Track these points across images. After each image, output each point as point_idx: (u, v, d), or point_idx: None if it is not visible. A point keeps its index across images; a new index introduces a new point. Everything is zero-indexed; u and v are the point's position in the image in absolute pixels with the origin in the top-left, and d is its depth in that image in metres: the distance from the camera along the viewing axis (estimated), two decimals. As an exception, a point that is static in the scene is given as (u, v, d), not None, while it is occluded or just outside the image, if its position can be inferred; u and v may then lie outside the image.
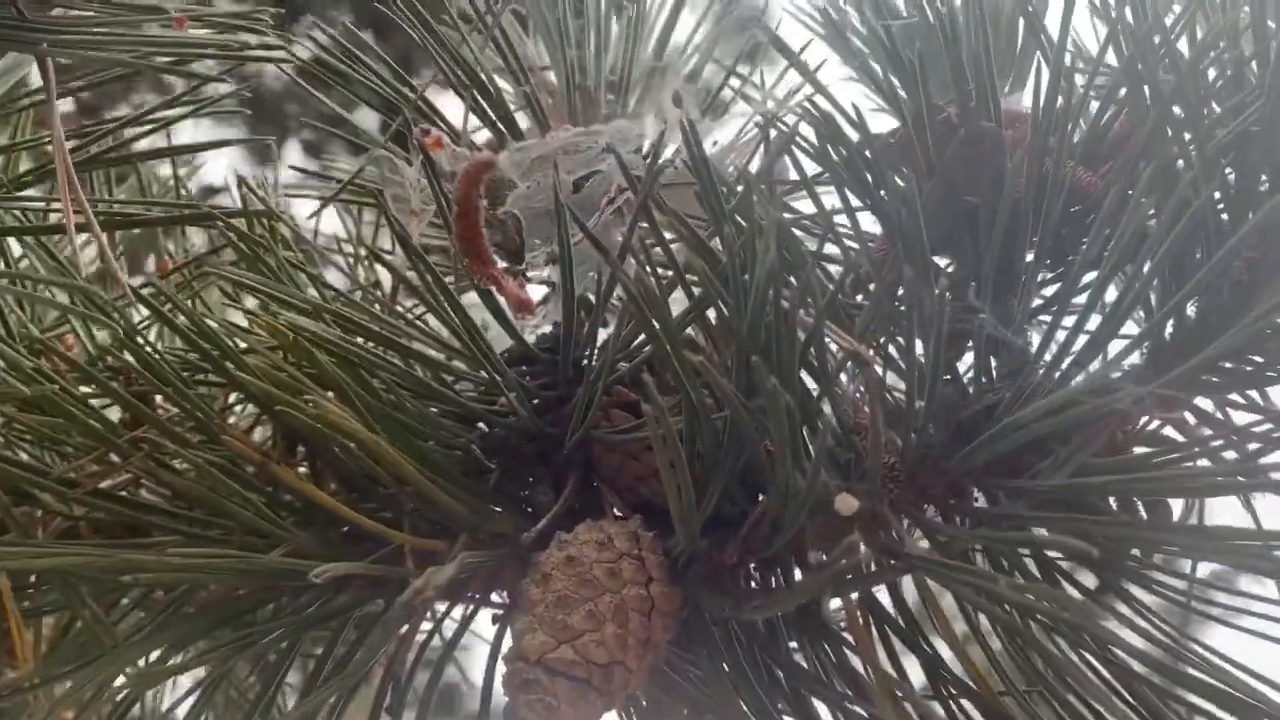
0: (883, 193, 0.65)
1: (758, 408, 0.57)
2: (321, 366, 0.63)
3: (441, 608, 0.89)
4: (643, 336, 0.65)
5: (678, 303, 0.71)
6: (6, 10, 0.61)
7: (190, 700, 0.72)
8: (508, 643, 0.71)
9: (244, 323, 0.76)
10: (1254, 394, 0.80)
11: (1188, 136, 0.70)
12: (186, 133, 0.85)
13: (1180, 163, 0.72)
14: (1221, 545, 0.65)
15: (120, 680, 0.70)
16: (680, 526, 0.65)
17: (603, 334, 0.77)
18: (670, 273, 0.67)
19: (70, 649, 0.79)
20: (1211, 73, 0.75)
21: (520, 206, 0.67)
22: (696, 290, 0.67)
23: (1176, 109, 0.71)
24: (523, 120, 0.87)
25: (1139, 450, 0.77)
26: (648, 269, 0.58)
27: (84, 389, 0.78)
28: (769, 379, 0.50)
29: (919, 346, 0.63)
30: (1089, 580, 0.78)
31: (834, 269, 0.74)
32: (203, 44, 0.64)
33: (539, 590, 0.70)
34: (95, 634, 0.74)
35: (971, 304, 0.61)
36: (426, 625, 0.87)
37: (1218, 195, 0.78)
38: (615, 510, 0.80)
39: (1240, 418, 0.81)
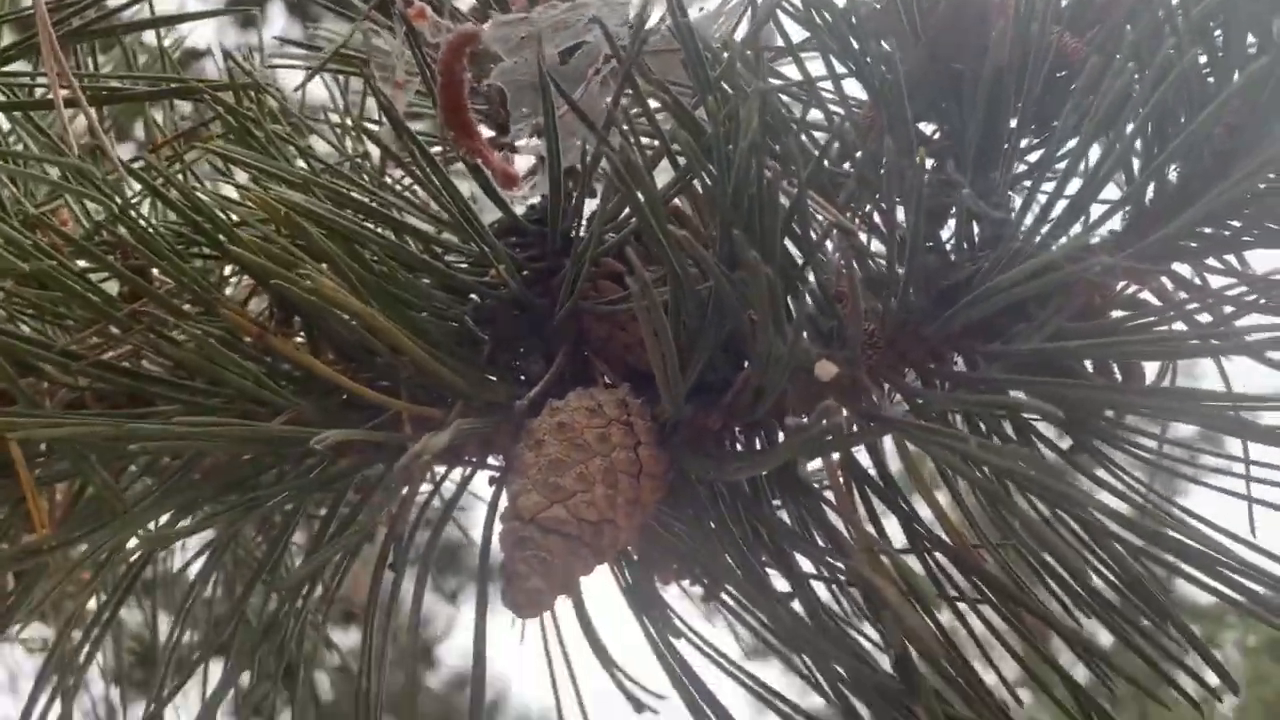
0: (867, 59, 0.66)
1: (740, 278, 0.59)
2: (313, 240, 0.64)
3: (441, 471, 0.92)
4: (629, 209, 0.66)
5: (665, 172, 0.72)
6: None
7: (200, 561, 0.76)
8: (504, 503, 0.74)
9: (235, 196, 0.77)
10: (1231, 259, 0.81)
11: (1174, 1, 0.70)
12: (170, 1, 0.84)
13: (1167, 28, 0.72)
14: (1188, 406, 0.68)
15: (132, 543, 0.73)
16: (665, 394, 0.67)
17: (591, 205, 0.78)
18: (656, 143, 0.67)
19: (83, 515, 0.82)
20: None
21: (505, 79, 0.67)
22: (682, 161, 0.68)
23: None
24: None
25: (1116, 314, 0.80)
26: (632, 141, 0.59)
27: (82, 263, 0.79)
28: (749, 251, 0.51)
29: (900, 215, 0.64)
30: (1066, 442, 0.81)
31: (820, 136, 0.75)
32: None
33: (532, 454, 0.72)
34: (106, 500, 0.77)
35: (952, 177, 0.62)
36: (427, 488, 0.91)
37: (1204, 60, 0.78)
38: (605, 379, 0.82)
39: (1216, 282, 0.83)
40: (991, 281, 0.62)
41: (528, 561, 0.68)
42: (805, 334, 0.69)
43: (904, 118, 0.57)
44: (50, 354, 0.72)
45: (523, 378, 0.83)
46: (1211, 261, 0.82)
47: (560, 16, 0.64)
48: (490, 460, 0.86)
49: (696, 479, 0.74)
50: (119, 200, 0.68)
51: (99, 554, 0.71)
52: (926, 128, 0.79)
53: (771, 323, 0.59)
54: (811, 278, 0.65)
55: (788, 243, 0.67)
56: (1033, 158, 0.80)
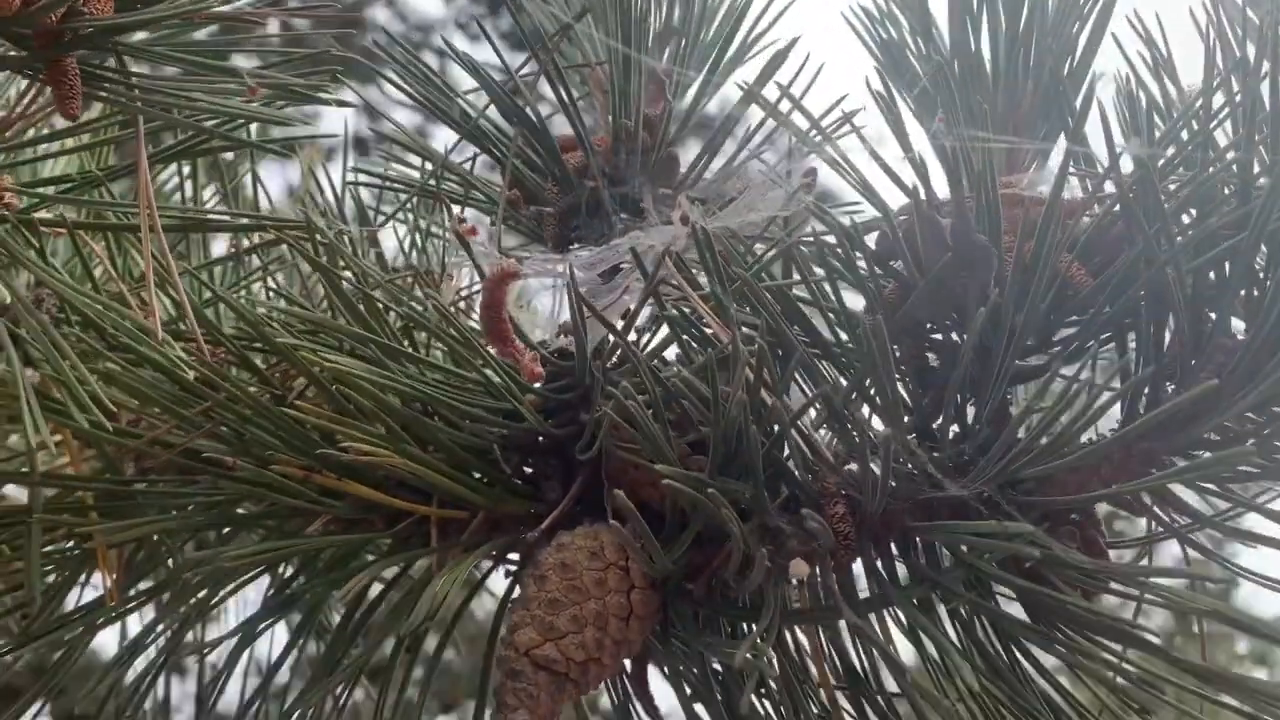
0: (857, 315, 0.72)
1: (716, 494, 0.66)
2: (357, 390, 0.73)
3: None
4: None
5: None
6: (105, 58, 0.68)
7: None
8: (505, 628, 0.83)
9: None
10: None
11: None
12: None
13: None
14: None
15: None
16: (648, 569, 0.75)
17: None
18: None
19: (143, 564, 0.94)
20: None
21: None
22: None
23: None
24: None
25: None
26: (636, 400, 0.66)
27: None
28: (722, 509, 0.59)
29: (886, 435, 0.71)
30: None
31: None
32: (272, 119, 0.72)
33: (536, 588, 0.81)
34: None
35: (913, 450, 0.68)
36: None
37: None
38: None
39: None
40: (942, 522, 0.68)
41: (516, 694, 0.77)
42: (786, 528, 0.76)
43: (879, 382, 0.63)
44: (137, 443, 0.82)
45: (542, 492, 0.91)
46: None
47: (592, 259, 0.71)
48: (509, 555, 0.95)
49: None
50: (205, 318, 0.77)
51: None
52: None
53: (743, 540, 0.67)
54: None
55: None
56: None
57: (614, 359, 0.87)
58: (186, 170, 0.89)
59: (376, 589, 0.93)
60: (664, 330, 0.77)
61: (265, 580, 0.94)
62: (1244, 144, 0.76)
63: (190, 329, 0.82)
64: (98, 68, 0.68)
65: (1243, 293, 0.81)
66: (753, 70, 0.90)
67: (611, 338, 0.84)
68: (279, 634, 0.96)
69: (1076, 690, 0.83)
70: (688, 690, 0.83)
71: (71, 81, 0.66)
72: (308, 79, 0.69)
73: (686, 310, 0.71)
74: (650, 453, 0.66)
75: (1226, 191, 0.78)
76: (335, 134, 0.89)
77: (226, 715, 0.90)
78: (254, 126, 0.80)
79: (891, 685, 0.81)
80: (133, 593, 0.91)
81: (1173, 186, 0.78)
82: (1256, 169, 0.78)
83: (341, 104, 0.75)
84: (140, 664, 0.85)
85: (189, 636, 0.84)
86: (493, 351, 0.73)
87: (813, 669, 0.80)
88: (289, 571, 0.91)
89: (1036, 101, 0.89)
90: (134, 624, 0.96)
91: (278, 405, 0.82)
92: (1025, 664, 0.81)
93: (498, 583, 0.98)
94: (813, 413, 0.76)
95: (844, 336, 0.78)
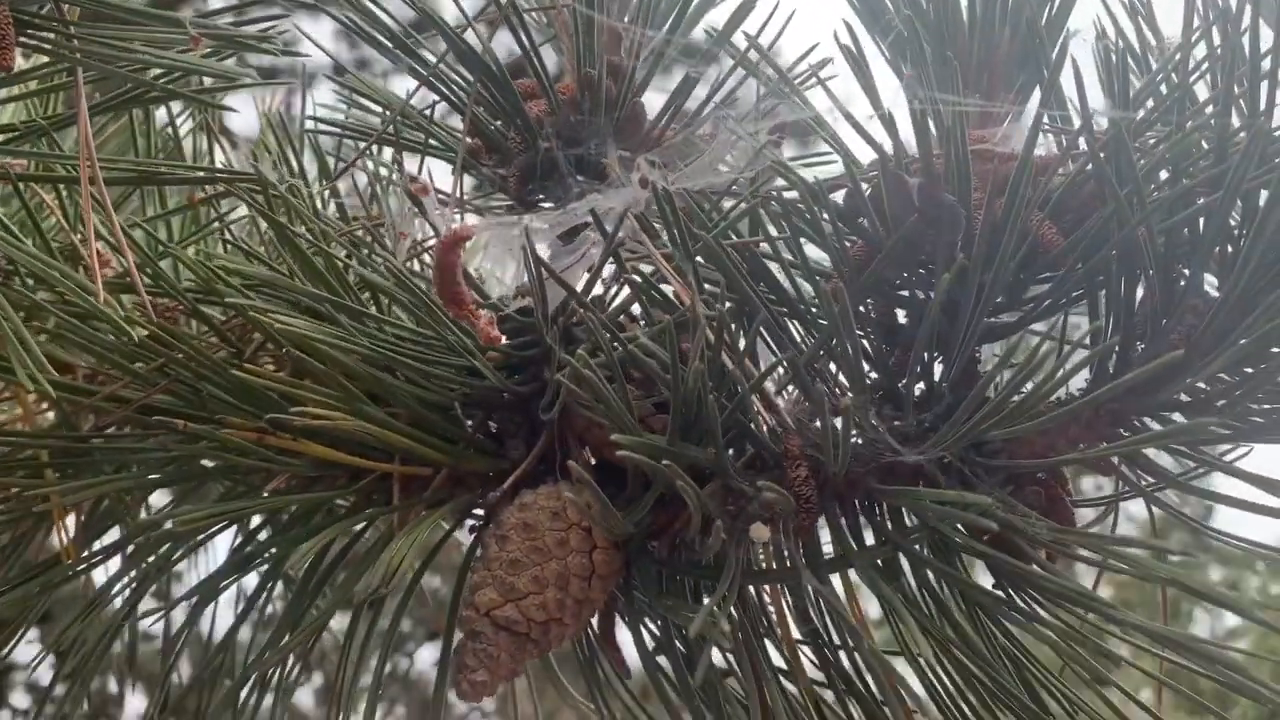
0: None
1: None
2: (316, 355, 0.71)
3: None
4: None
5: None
6: (42, 4, 0.65)
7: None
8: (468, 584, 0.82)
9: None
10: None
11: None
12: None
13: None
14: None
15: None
16: (605, 531, 0.74)
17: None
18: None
19: (105, 517, 0.92)
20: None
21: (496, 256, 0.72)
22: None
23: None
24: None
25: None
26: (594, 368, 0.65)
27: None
28: (679, 479, 0.58)
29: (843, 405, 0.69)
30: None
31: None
32: (218, 73, 0.69)
33: (497, 548, 0.80)
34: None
35: (871, 419, 0.67)
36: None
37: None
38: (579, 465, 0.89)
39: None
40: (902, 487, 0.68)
41: (476, 655, 0.76)
42: (748, 490, 0.75)
43: (841, 342, 0.62)
44: (93, 400, 0.81)
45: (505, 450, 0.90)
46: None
47: (553, 220, 0.69)
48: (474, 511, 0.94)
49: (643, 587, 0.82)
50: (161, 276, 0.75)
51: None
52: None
53: (699, 506, 0.66)
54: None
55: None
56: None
57: (577, 316, 0.85)
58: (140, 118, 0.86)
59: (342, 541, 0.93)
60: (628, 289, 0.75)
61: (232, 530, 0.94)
62: (1223, 99, 0.74)
63: (136, 284, 0.80)
64: (35, 16, 0.65)
65: (1216, 249, 0.80)
66: (723, 14, 0.87)
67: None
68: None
69: (1038, 650, 0.84)
70: (650, 645, 0.83)
71: (4, 30, 0.64)
72: (256, 28, 0.66)
73: (648, 269, 0.69)
74: (609, 418, 0.65)
75: (1205, 145, 0.76)
76: (293, 80, 0.85)
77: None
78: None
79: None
80: (94, 548, 0.90)
81: (1151, 141, 0.76)
82: (1236, 123, 0.76)
83: (289, 53, 0.72)
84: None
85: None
86: (451, 313, 0.71)
87: (773, 613, 0.80)
88: (255, 523, 0.90)
89: (1013, 50, 0.86)
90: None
91: (235, 361, 0.81)
92: (989, 624, 0.80)
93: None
94: (780, 372, 0.75)
95: (809, 291, 0.77)
